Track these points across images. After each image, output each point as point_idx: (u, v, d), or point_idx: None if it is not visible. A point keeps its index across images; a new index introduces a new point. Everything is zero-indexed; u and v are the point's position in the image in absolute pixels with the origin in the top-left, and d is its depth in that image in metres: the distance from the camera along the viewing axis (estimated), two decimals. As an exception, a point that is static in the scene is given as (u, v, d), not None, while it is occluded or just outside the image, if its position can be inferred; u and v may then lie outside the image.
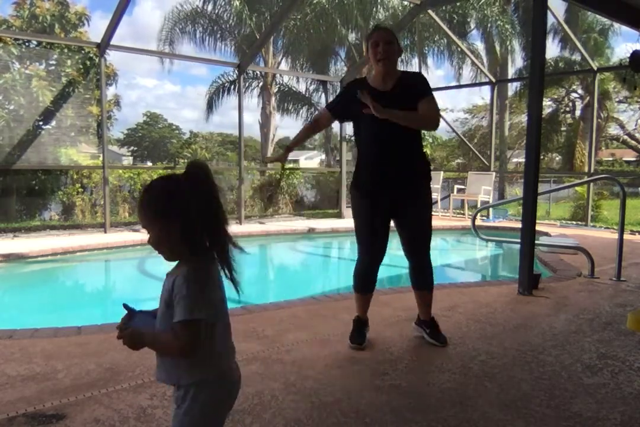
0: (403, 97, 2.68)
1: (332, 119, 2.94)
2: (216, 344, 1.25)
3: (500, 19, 14.73)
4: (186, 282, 1.18)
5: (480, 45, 15.82)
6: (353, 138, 2.96)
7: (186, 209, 1.19)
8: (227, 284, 1.33)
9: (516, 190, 15.36)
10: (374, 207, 2.80)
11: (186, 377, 1.23)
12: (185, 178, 1.22)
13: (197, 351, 1.20)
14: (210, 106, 16.58)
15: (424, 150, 2.93)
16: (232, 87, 16.28)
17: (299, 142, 3.07)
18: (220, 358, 1.29)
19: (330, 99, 16.83)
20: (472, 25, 14.87)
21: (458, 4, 13.51)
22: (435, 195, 10.18)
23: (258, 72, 16.26)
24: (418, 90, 2.71)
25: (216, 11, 15.10)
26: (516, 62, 16.19)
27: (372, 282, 2.90)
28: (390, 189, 2.76)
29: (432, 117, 2.71)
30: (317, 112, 2.79)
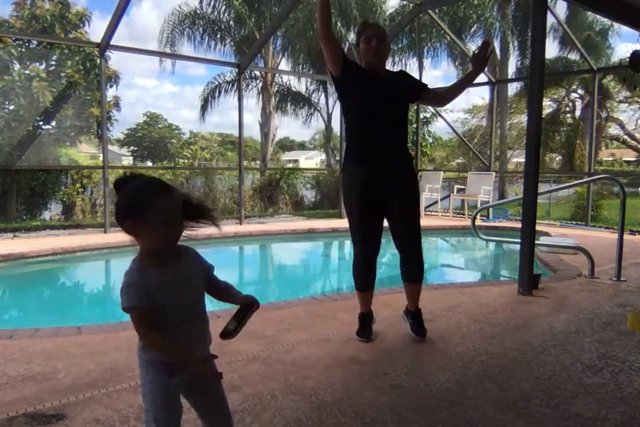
0: (396, 81, 2.85)
1: (339, 60, 2.81)
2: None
3: (500, 19, 14.74)
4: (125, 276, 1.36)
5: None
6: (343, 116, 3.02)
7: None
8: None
9: (516, 190, 15.36)
10: (366, 201, 2.82)
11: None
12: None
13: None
14: (208, 106, 16.57)
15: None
16: (231, 87, 16.29)
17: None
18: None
19: (330, 98, 16.95)
20: (472, 25, 14.84)
21: (458, 4, 13.50)
22: (435, 196, 10.18)
23: (258, 72, 16.26)
24: (414, 82, 2.95)
25: (216, 11, 15.10)
26: (516, 62, 16.20)
27: (370, 279, 2.96)
28: (382, 164, 2.78)
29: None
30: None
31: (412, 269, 2.95)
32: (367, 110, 2.78)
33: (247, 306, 1.44)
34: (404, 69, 3.02)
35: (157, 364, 1.37)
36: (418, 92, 2.94)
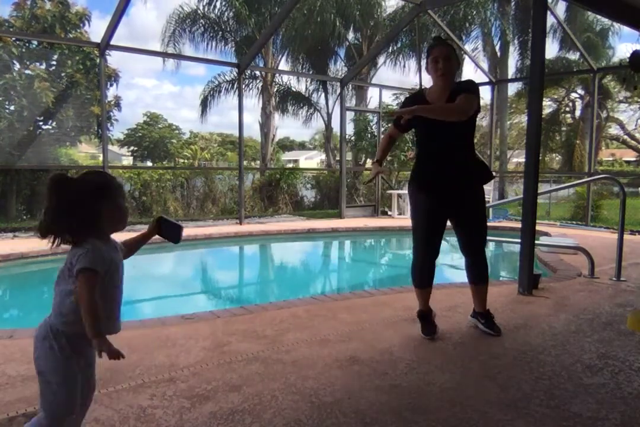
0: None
1: (399, 133, 3.15)
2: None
3: (500, 19, 14.74)
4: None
5: (480, 45, 15.81)
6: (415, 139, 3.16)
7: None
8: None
9: (516, 190, 15.35)
10: (433, 205, 2.93)
11: None
12: None
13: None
14: (208, 106, 16.57)
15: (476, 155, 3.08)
16: (230, 87, 16.28)
17: (384, 154, 3.19)
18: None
19: (330, 98, 16.96)
20: (472, 25, 14.84)
21: (458, 4, 13.49)
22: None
23: (258, 72, 16.26)
24: (461, 89, 2.78)
25: (216, 11, 15.10)
26: (516, 62, 16.20)
27: (429, 277, 3.05)
28: (446, 186, 2.90)
29: (456, 106, 2.71)
30: (388, 129, 3.18)
31: (475, 270, 3.07)
32: (425, 136, 2.96)
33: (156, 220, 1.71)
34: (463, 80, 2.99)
35: (78, 338, 1.49)
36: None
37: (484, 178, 2.98)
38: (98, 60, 8.08)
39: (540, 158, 4.07)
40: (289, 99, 17.20)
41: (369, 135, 12.72)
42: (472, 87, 2.81)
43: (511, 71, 16.06)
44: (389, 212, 10.59)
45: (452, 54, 2.83)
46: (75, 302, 1.47)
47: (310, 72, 16.19)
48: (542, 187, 8.66)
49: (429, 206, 2.94)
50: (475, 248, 3.03)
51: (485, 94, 17.91)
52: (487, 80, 10.70)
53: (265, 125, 16.55)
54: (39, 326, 1.55)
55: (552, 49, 17.42)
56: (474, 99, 2.75)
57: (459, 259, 8.31)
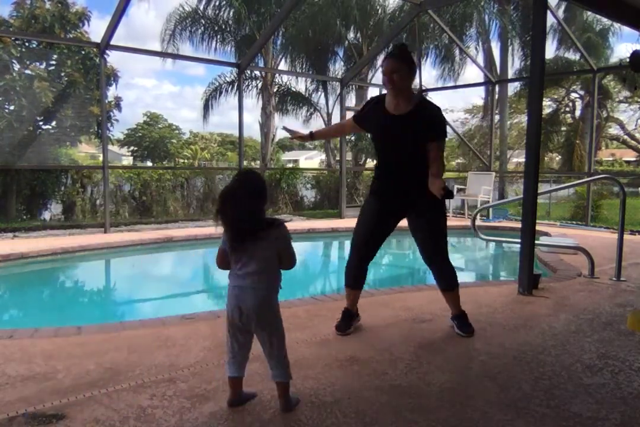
0: (414, 125, 2.79)
1: (355, 126, 3.15)
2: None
3: (500, 19, 14.73)
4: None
5: (480, 45, 15.81)
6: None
7: None
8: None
9: (516, 190, 15.35)
10: (380, 209, 2.96)
11: None
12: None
13: None
14: (209, 106, 16.56)
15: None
16: (231, 87, 16.28)
17: (324, 135, 3.26)
18: None
19: (330, 98, 16.95)
20: (472, 25, 14.83)
21: (458, 4, 13.49)
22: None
23: (258, 72, 16.26)
24: (433, 130, 2.80)
25: (216, 11, 15.09)
26: (516, 62, 16.19)
27: (360, 278, 3.06)
28: (402, 196, 2.92)
29: (443, 166, 2.83)
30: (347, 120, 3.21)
31: (442, 280, 3.05)
32: (382, 150, 2.98)
33: None
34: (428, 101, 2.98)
35: None
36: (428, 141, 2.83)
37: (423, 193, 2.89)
38: (98, 60, 8.08)
39: (540, 158, 4.07)
40: (289, 99, 17.18)
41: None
42: (444, 130, 2.85)
43: (511, 71, 16.06)
44: (389, 212, 10.56)
45: (401, 66, 2.75)
46: None
47: (310, 72, 16.18)
48: (542, 187, 8.66)
49: (376, 208, 2.97)
50: (428, 257, 2.99)
51: (483, 94, 17.90)
52: (487, 80, 10.69)
53: (265, 125, 16.54)
54: None
55: (552, 49, 17.42)
56: (444, 145, 2.88)
57: (459, 259, 8.30)
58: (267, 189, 2.01)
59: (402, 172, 2.90)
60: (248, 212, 1.92)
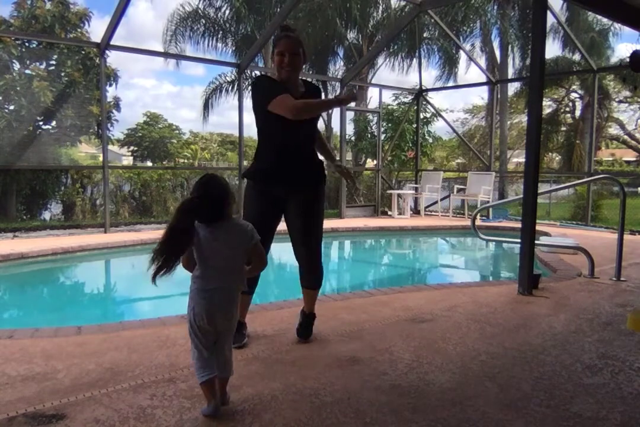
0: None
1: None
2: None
3: (500, 19, 14.74)
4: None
5: (480, 45, 15.82)
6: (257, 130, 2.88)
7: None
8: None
9: (516, 190, 15.36)
10: (264, 207, 2.89)
11: None
12: None
13: None
14: (209, 106, 16.56)
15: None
16: (230, 87, 16.28)
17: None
18: None
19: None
20: (472, 25, 14.84)
21: (458, 4, 13.50)
22: (435, 195, 10.19)
23: (258, 72, 16.25)
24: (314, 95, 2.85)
25: (216, 11, 15.10)
26: (516, 62, 16.19)
27: (249, 284, 2.39)
28: (289, 182, 2.81)
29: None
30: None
31: (310, 279, 2.99)
32: (276, 131, 2.79)
33: None
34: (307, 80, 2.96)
35: None
36: None
37: (323, 176, 2.91)
38: (98, 60, 8.08)
39: (540, 158, 4.07)
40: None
41: (369, 136, 12.72)
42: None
43: (511, 71, 16.07)
44: (389, 212, 10.57)
45: (299, 49, 2.68)
46: None
47: (310, 72, 16.18)
48: (542, 187, 8.66)
49: (261, 209, 2.89)
50: (302, 256, 2.95)
51: (485, 94, 17.85)
52: (487, 80, 10.69)
53: (265, 125, 16.52)
54: None
55: (552, 49, 17.43)
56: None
57: (458, 259, 8.29)
58: (230, 193, 2.00)
59: (302, 152, 2.84)
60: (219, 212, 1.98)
